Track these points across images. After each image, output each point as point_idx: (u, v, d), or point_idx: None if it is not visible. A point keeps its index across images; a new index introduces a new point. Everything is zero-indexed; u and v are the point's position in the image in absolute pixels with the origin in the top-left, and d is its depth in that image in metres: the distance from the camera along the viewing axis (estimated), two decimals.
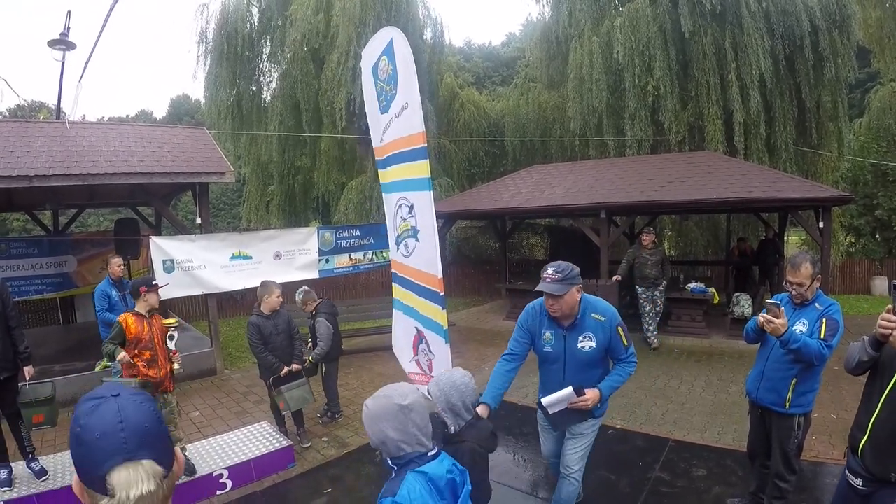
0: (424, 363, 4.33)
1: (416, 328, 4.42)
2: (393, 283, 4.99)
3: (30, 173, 7.21)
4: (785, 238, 12.95)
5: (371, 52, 4.62)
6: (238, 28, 15.77)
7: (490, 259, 17.41)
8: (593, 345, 3.39)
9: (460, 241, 18.32)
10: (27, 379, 4.86)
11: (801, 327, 3.47)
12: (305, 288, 6.45)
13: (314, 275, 9.32)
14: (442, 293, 3.79)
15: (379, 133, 4.68)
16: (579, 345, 3.41)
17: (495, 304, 14.45)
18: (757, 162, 12.21)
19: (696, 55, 13.25)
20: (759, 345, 3.83)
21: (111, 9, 7.09)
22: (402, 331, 4.82)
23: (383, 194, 4.88)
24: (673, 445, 5.37)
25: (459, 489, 2.14)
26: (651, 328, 9.35)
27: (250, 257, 8.76)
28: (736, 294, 9.80)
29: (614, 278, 9.27)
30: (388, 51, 4.17)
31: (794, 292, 3.58)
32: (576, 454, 3.58)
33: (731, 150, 12.82)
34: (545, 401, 3.37)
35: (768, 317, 3.35)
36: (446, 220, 12.26)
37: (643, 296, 9.29)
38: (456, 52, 28.46)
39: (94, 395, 1.13)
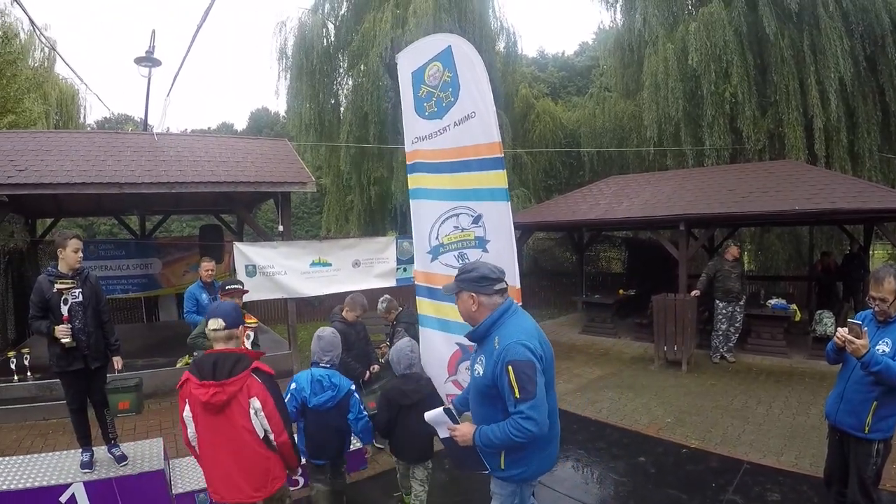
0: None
1: (458, 344, 4.22)
2: (420, 299, 4.71)
3: (120, 181, 7.67)
4: (870, 252, 12.28)
5: (413, 56, 4.55)
6: (315, 43, 16.26)
7: (566, 271, 17.22)
8: (481, 371, 2.87)
9: (537, 253, 18.22)
10: (117, 369, 5.16)
11: (883, 347, 3.32)
12: (388, 297, 6.55)
13: (392, 283, 9.43)
14: (519, 304, 3.53)
15: (417, 137, 4.59)
16: (475, 366, 2.96)
17: (571, 316, 14.18)
18: (839, 170, 11.73)
19: (774, 59, 12.83)
20: (840, 365, 3.68)
21: (198, 29, 7.51)
22: (434, 349, 4.55)
23: (418, 200, 4.61)
24: (748, 468, 5.21)
25: (327, 389, 3.93)
26: (721, 346, 9.16)
27: (330, 264, 8.95)
28: (819, 311, 9.38)
29: (693, 293, 9.05)
30: (445, 57, 4.14)
31: (876, 308, 3.42)
32: None
33: (813, 157, 12.35)
34: (426, 414, 3.07)
35: (849, 336, 3.23)
36: (523, 231, 12.23)
37: (724, 311, 9.06)
38: (530, 62, 28.28)
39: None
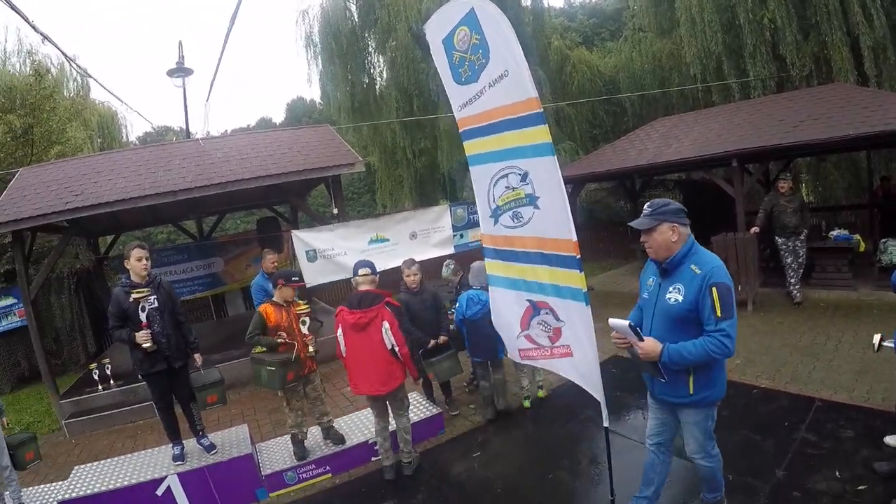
0: (542, 335, 4.27)
1: (529, 301, 4.32)
2: (488, 261, 4.84)
3: (174, 188, 7.95)
4: None
5: (440, 24, 4.54)
6: (340, 27, 16.39)
7: (623, 220, 16.63)
8: (679, 298, 3.05)
9: (591, 205, 17.92)
10: (198, 365, 5.47)
11: None
12: (451, 261, 6.82)
13: (450, 250, 9.47)
14: (578, 256, 3.71)
15: (460, 104, 4.63)
16: (667, 295, 3.13)
17: (632, 265, 14.02)
18: (890, 89, 11.13)
19: None
20: None
21: (227, 35, 7.68)
22: (503, 309, 4.71)
23: (475, 166, 4.69)
24: (819, 405, 5.15)
25: (476, 304, 5.66)
26: (794, 281, 8.83)
27: (387, 240, 9.05)
28: (883, 240, 8.98)
29: (752, 230, 8.80)
30: (469, 20, 4.12)
31: None
32: (689, 444, 3.39)
33: (863, 78, 11.79)
34: (610, 321, 3.22)
35: None
36: (575, 184, 12.17)
37: (784, 247, 8.80)
38: (558, 12, 27.70)
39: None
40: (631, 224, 3.31)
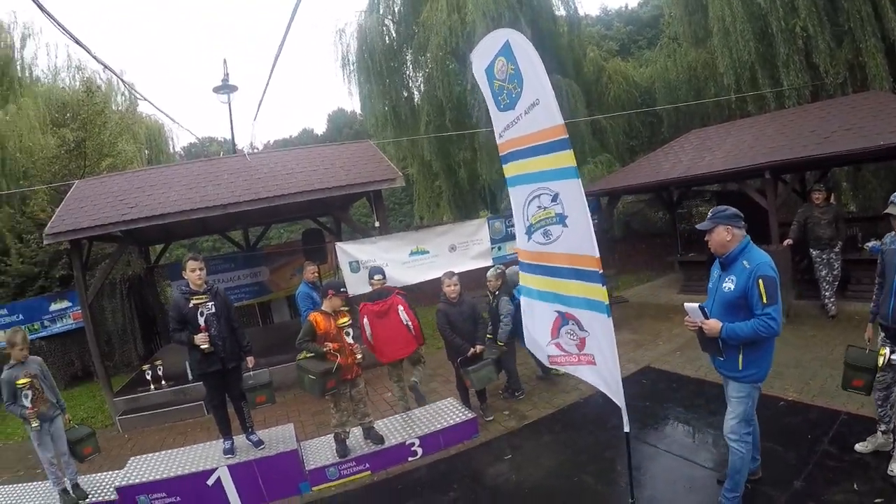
0: (570, 343, 4.55)
1: (557, 311, 4.61)
2: (523, 273, 5.20)
3: (224, 202, 8.37)
4: None
5: (482, 55, 4.89)
6: (377, 44, 16.74)
7: (660, 231, 16.59)
8: (732, 287, 3.66)
9: (628, 216, 17.88)
10: (250, 367, 5.84)
11: None
12: (501, 266, 7.28)
13: (488, 262, 9.56)
14: (601, 271, 3.99)
15: (501, 129, 4.98)
16: (723, 284, 3.74)
17: (668, 277, 14.02)
18: None
19: None
20: None
21: (276, 58, 8.06)
22: (535, 318, 5.02)
23: (514, 187, 5.06)
24: (845, 418, 5.21)
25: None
26: (828, 294, 8.72)
27: (428, 252, 9.33)
28: None
29: (785, 242, 8.73)
30: (506, 52, 4.45)
31: None
32: (728, 420, 3.87)
33: None
34: (686, 304, 3.83)
35: None
36: (611, 197, 12.29)
37: (818, 259, 8.71)
38: (594, 21, 27.74)
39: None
40: (697, 226, 3.98)
